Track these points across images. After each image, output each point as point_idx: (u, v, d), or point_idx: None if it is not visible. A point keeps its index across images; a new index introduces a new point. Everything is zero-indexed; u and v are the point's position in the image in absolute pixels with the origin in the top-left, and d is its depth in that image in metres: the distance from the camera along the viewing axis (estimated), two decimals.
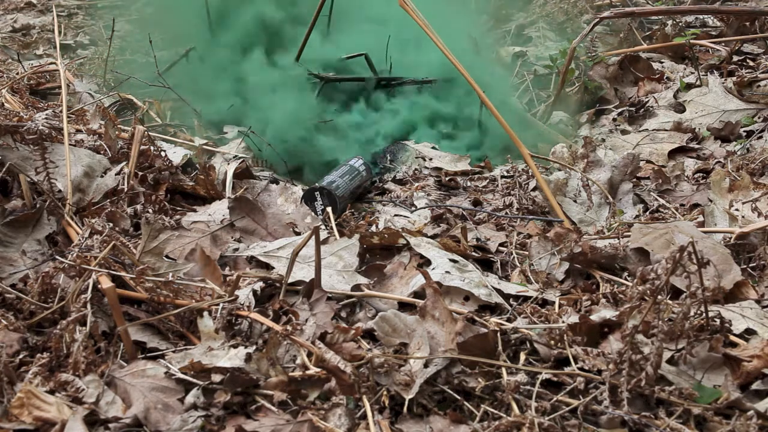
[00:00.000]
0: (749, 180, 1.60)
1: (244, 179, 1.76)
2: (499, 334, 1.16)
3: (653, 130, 2.25)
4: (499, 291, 1.33)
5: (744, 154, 1.97)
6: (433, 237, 1.59)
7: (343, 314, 1.27)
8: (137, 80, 2.50)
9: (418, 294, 1.30)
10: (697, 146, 2.13)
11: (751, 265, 1.38)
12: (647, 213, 1.73)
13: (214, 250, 1.43)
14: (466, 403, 1.07)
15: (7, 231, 1.34)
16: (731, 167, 1.83)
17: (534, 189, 1.84)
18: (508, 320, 1.25)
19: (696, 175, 1.92)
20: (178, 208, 1.63)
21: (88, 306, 1.12)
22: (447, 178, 2.12)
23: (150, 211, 1.51)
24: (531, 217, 1.71)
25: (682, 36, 2.67)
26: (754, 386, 1.06)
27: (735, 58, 2.67)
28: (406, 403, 1.05)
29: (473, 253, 1.51)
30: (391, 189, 2.11)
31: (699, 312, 1.13)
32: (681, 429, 0.98)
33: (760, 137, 2.05)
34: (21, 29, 3.85)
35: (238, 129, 2.32)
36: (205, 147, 2.04)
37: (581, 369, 1.09)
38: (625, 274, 1.40)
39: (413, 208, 1.89)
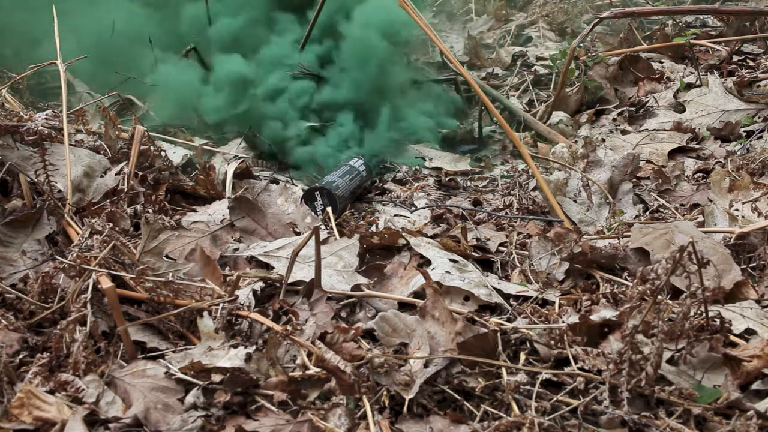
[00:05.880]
0: (749, 180, 1.60)
1: (244, 179, 1.76)
2: (499, 334, 1.16)
3: (653, 130, 2.25)
4: (499, 291, 1.33)
5: (744, 154, 1.97)
6: (433, 237, 1.58)
7: (343, 314, 1.27)
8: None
9: (418, 294, 1.30)
10: (697, 146, 2.13)
11: (751, 265, 1.38)
12: (647, 213, 1.73)
13: (214, 250, 1.43)
14: (466, 403, 1.07)
15: (7, 231, 1.34)
16: (731, 167, 1.83)
17: (534, 189, 1.84)
18: (508, 320, 1.24)
19: (696, 175, 1.92)
20: (178, 208, 1.63)
21: (88, 306, 1.12)
22: (447, 178, 2.12)
23: (150, 211, 1.51)
24: (531, 217, 1.71)
25: (682, 36, 2.67)
26: (754, 386, 1.06)
27: (735, 58, 2.67)
28: (406, 403, 1.05)
29: (473, 253, 1.51)
30: (391, 189, 2.11)
31: (699, 312, 1.13)
32: (681, 429, 0.98)
33: (760, 137, 2.04)
34: None
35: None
36: (205, 147, 2.04)
37: (581, 369, 1.09)
38: (625, 274, 1.40)
39: (413, 208, 1.89)
